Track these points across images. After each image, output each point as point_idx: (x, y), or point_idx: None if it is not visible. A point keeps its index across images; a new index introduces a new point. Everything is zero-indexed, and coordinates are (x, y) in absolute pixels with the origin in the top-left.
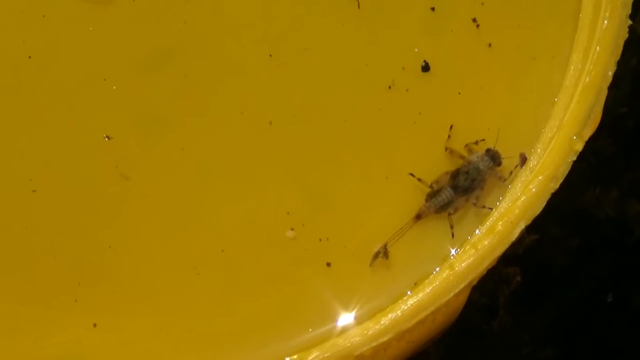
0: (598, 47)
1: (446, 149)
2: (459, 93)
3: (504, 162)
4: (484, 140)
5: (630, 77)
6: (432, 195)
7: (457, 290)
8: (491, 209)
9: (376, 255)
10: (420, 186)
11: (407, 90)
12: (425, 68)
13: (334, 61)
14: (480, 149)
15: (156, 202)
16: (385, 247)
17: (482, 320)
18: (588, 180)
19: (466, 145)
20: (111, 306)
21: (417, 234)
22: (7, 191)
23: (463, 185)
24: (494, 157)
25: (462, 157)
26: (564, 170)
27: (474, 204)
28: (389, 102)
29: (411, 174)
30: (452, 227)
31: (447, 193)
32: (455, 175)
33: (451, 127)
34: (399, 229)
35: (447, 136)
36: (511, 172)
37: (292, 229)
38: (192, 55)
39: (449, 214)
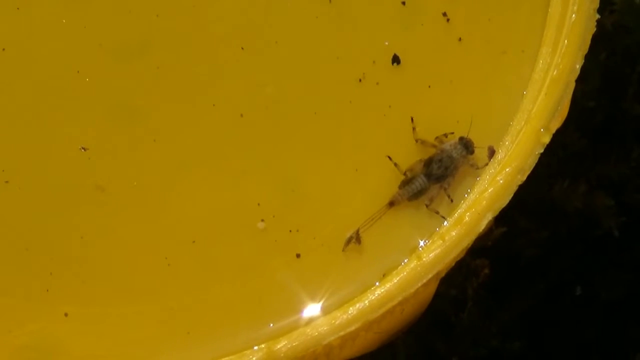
0: (566, 41)
1: (417, 140)
2: (429, 86)
3: (477, 151)
4: (453, 133)
5: (599, 72)
6: (406, 182)
7: (424, 281)
8: (452, 201)
9: (349, 241)
10: (390, 178)
11: (377, 83)
12: (396, 61)
13: (306, 54)
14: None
15: (127, 193)
16: (357, 233)
17: (451, 311)
18: (557, 173)
19: (436, 138)
20: (82, 296)
21: (386, 226)
22: None
23: (436, 174)
24: (467, 146)
25: (434, 146)
26: (531, 163)
27: (445, 189)
28: (360, 94)
29: (389, 157)
30: (437, 213)
31: (420, 180)
32: (428, 163)
33: (412, 119)
34: (371, 215)
35: (412, 129)
36: (486, 164)
37: (262, 220)
38: (165, 48)
39: (426, 205)
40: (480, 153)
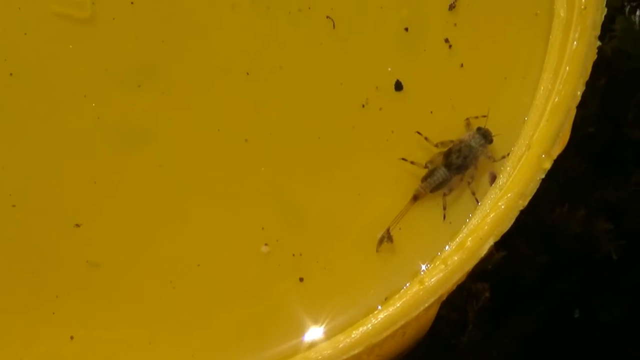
0: (567, 68)
1: (436, 145)
2: (431, 112)
3: (495, 139)
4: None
5: (599, 98)
6: (428, 175)
7: (426, 305)
8: (478, 202)
9: (381, 241)
10: (392, 203)
11: (380, 109)
12: (399, 87)
13: (309, 79)
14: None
15: (133, 217)
16: (388, 232)
17: (451, 334)
18: (556, 198)
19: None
20: (88, 319)
21: (388, 249)
22: None
23: (456, 163)
24: (485, 135)
25: (451, 141)
26: (532, 188)
27: (469, 183)
28: (363, 120)
29: (403, 159)
30: (445, 209)
31: (441, 172)
32: (447, 154)
33: (419, 132)
34: (398, 213)
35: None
36: (503, 157)
37: (266, 244)
38: (171, 73)
39: (444, 194)
40: (498, 142)
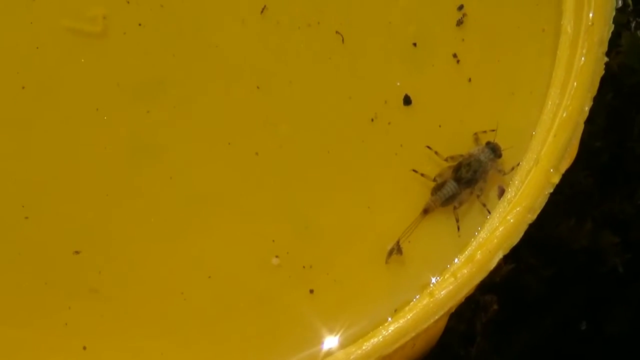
0: (575, 83)
1: (446, 159)
2: (440, 126)
3: (504, 153)
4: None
5: (605, 112)
6: (437, 189)
7: (436, 317)
8: (489, 213)
9: (390, 252)
10: (401, 216)
11: (389, 123)
12: (407, 101)
13: (319, 94)
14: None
15: (145, 229)
16: (398, 244)
17: (460, 346)
18: (563, 211)
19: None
20: (100, 330)
21: (398, 262)
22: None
23: (465, 177)
24: (494, 149)
25: (461, 155)
26: (541, 202)
27: (478, 196)
28: (372, 134)
29: (414, 170)
30: (457, 221)
31: (450, 185)
32: (457, 168)
33: (429, 147)
34: (408, 225)
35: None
36: (512, 168)
37: (276, 257)
38: (181, 87)
39: (454, 208)
40: (507, 156)
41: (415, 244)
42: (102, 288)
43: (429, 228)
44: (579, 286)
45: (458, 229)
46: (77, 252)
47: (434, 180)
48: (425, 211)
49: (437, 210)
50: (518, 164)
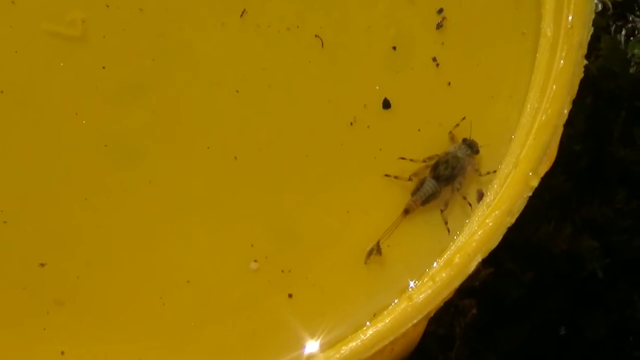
0: (554, 86)
1: (424, 160)
2: (419, 130)
3: (481, 151)
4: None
5: (584, 116)
6: (417, 189)
7: (415, 321)
8: (470, 204)
9: (370, 253)
10: (381, 220)
11: (368, 126)
12: (386, 105)
13: (298, 98)
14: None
15: (123, 233)
16: (378, 245)
17: (439, 350)
18: (543, 215)
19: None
20: (79, 335)
21: (377, 265)
22: None
23: (444, 174)
24: (471, 145)
25: (437, 155)
26: (520, 205)
27: (457, 190)
28: (351, 137)
29: (387, 175)
30: (446, 224)
31: (430, 184)
32: (435, 166)
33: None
34: (389, 226)
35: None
36: (488, 173)
37: (255, 261)
38: (160, 91)
39: (441, 211)
40: (485, 158)
41: (394, 248)
42: (80, 293)
43: (408, 231)
44: (558, 291)
45: (448, 231)
46: (55, 257)
47: (409, 179)
48: (406, 211)
49: (416, 213)
50: (495, 171)
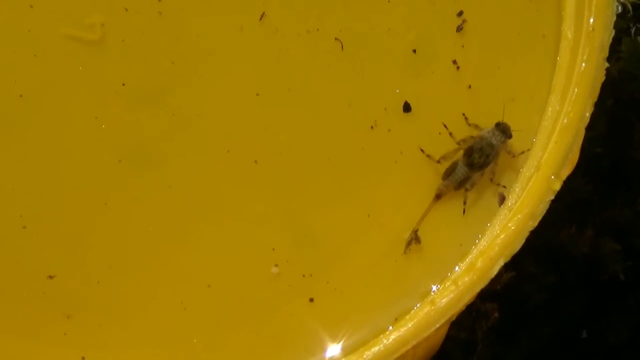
0: (576, 89)
1: (458, 143)
2: (440, 133)
3: (514, 134)
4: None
5: (606, 118)
6: (448, 173)
7: (437, 326)
8: (505, 187)
9: (409, 243)
10: (401, 223)
11: (389, 130)
12: (407, 108)
13: (319, 101)
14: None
15: (143, 238)
16: (415, 233)
17: (461, 354)
18: (564, 218)
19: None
20: (99, 340)
21: (399, 269)
22: None
23: (478, 162)
24: (504, 130)
25: (471, 137)
26: (542, 209)
27: (491, 180)
28: (372, 141)
29: (421, 149)
30: (464, 204)
31: (462, 170)
32: (469, 153)
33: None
34: (422, 213)
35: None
36: (522, 152)
37: (276, 265)
38: (180, 95)
39: (466, 189)
40: (517, 137)
41: (416, 252)
42: (100, 298)
43: (430, 236)
44: (580, 294)
45: (464, 212)
46: (75, 262)
47: (438, 162)
48: (438, 196)
49: (437, 215)
50: (528, 150)
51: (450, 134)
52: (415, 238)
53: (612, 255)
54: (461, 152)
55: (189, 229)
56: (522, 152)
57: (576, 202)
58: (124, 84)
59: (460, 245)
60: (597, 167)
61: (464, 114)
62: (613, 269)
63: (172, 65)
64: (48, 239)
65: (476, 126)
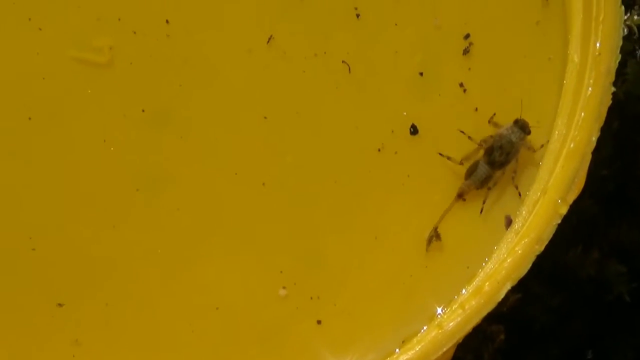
0: (583, 114)
1: (480, 143)
2: (442, 155)
3: (533, 130)
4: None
5: (612, 140)
6: (470, 172)
7: (444, 349)
8: (520, 195)
9: (430, 240)
10: (408, 246)
11: (396, 152)
12: (414, 131)
13: (326, 124)
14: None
15: (152, 260)
16: (436, 231)
17: None
18: (570, 240)
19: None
20: None
21: (406, 292)
22: (7, 249)
23: (499, 161)
24: (523, 127)
25: (491, 137)
26: (549, 233)
27: (513, 178)
28: (379, 164)
29: (440, 154)
30: (484, 202)
31: (484, 169)
32: (490, 151)
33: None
34: (444, 211)
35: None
36: (542, 146)
37: (284, 287)
38: (188, 117)
39: (488, 188)
40: (536, 133)
41: (423, 274)
42: (108, 320)
43: (436, 258)
44: (586, 315)
45: (481, 211)
46: (83, 285)
47: (461, 163)
48: (460, 195)
49: (443, 240)
50: (547, 141)
51: (469, 137)
52: (436, 235)
53: (617, 276)
54: (482, 152)
55: (197, 252)
56: (542, 146)
57: (582, 223)
58: (132, 107)
59: (467, 267)
60: (603, 188)
61: (469, 137)
62: (618, 291)
63: (180, 87)
64: (57, 261)
65: (495, 124)
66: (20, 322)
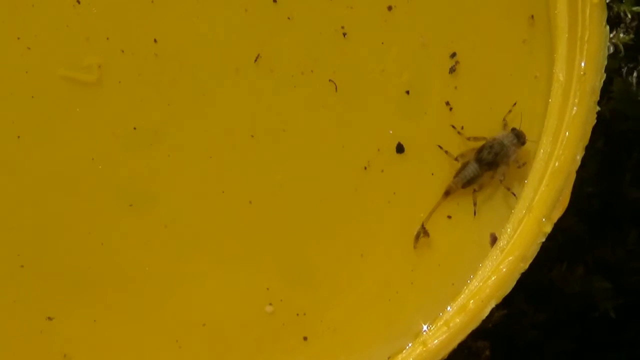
0: (567, 133)
1: (469, 138)
2: (432, 174)
3: (528, 145)
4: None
5: (597, 158)
6: (459, 171)
7: None
8: (514, 195)
9: (417, 236)
10: (394, 264)
11: (382, 170)
12: (400, 149)
13: (313, 142)
14: None
15: (139, 277)
16: (423, 227)
17: None
18: (555, 256)
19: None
20: None
21: (391, 310)
22: None
23: (487, 159)
24: (518, 136)
25: (484, 137)
26: (533, 252)
27: (501, 181)
28: (365, 182)
29: (439, 146)
30: (475, 205)
31: (472, 167)
32: (480, 150)
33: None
34: (431, 209)
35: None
36: (524, 163)
37: (270, 304)
38: (176, 136)
39: (474, 191)
40: (532, 148)
41: (408, 291)
42: (97, 336)
43: (423, 274)
44: (571, 332)
45: (475, 213)
46: (71, 301)
47: (456, 159)
48: (447, 193)
49: (430, 255)
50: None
51: (446, 152)
52: (423, 232)
53: (603, 293)
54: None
55: (184, 269)
56: (524, 164)
57: (567, 240)
58: (120, 125)
59: (453, 284)
60: (589, 206)
61: (446, 151)
62: (604, 307)
63: (168, 106)
64: (45, 278)
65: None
66: (9, 337)
